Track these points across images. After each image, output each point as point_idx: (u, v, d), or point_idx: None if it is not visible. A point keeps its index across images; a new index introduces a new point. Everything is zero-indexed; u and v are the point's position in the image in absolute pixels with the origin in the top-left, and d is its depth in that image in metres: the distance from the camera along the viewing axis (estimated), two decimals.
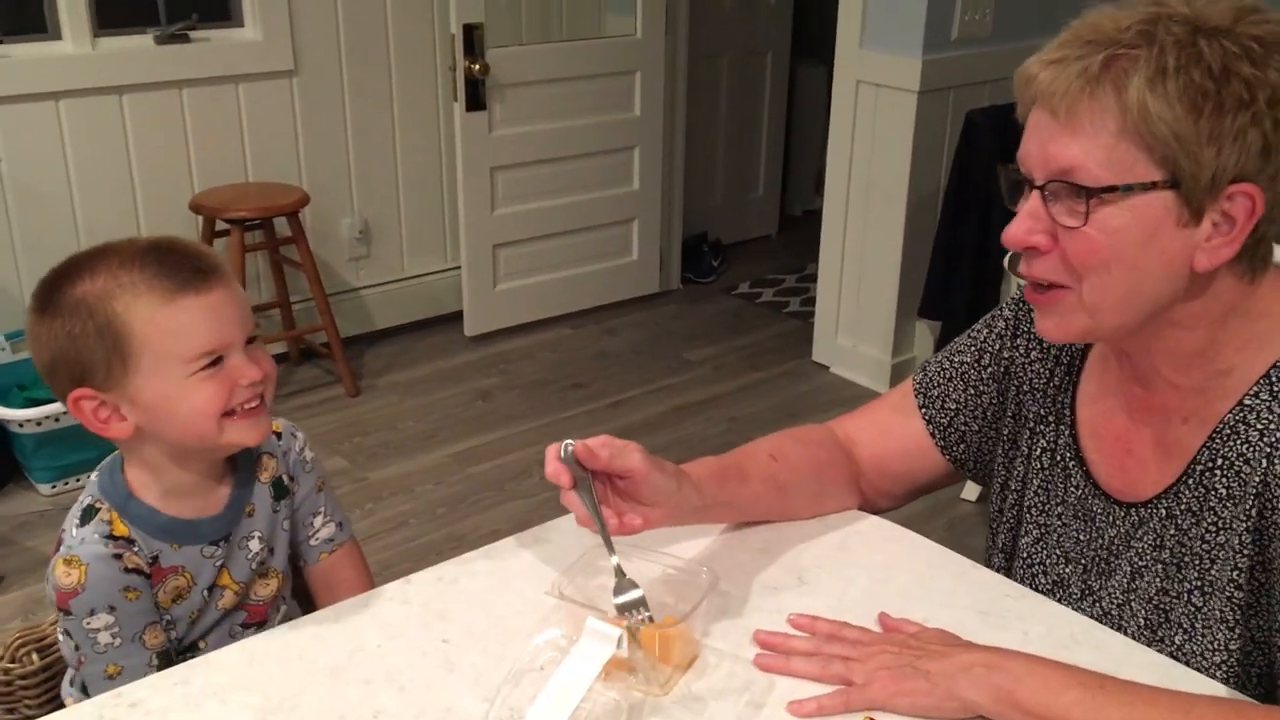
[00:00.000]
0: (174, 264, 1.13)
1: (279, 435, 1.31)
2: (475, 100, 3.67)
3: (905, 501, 1.35)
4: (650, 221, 4.25)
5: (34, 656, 1.25)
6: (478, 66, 3.60)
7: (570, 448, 1.08)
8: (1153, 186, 0.95)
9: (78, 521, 1.19)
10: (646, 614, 1.07)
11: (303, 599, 1.38)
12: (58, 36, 3.14)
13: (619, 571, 1.09)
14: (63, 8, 3.10)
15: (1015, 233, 1.02)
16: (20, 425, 2.82)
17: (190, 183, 3.41)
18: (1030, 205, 1.01)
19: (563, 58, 3.87)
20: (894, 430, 1.31)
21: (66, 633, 1.19)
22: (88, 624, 1.16)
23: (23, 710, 1.25)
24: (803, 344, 3.90)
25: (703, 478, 1.19)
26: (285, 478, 1.31)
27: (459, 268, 3.89)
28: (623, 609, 1.07)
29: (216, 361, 1.15)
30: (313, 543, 1.34)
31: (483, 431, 3.33)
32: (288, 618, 1.31)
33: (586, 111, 3.95)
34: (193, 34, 3.35)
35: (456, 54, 3.58)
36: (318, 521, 1.35)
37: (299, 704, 1.02)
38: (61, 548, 1.18)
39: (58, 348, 1.13)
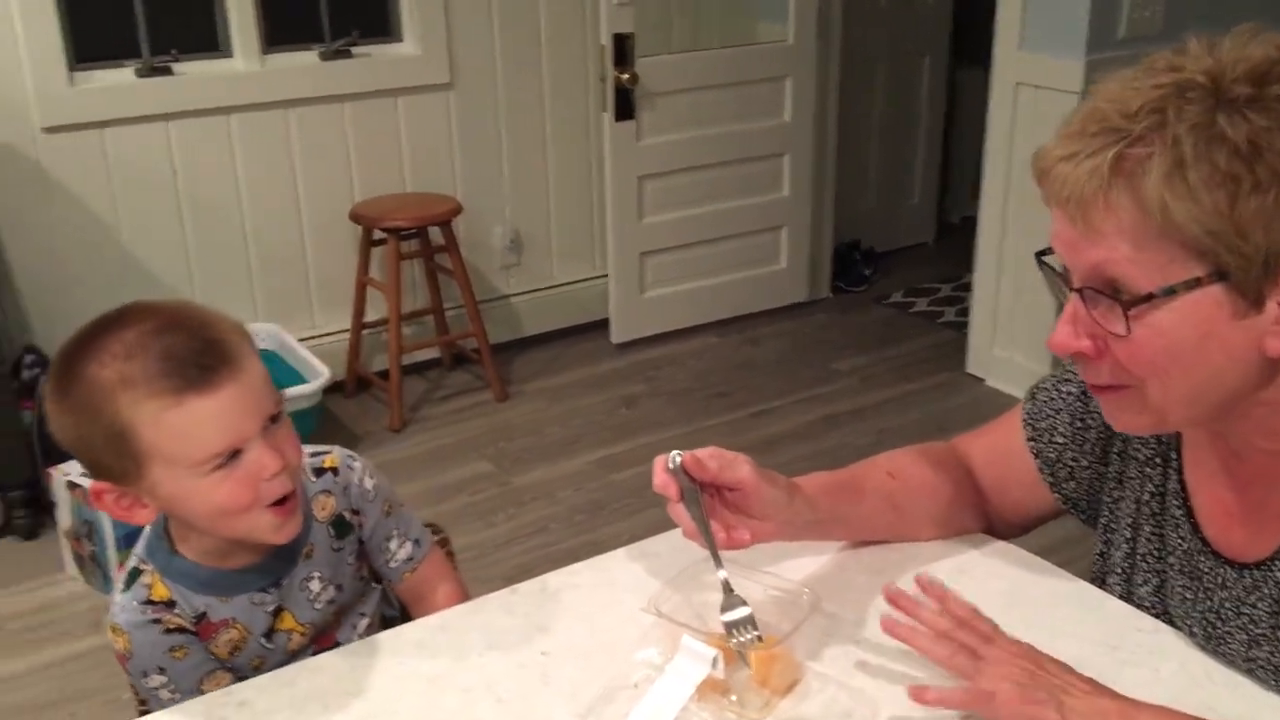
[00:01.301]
0: (180, 358, 1.06)
1: (335, 471, 1.26)
2: (624, 109, 3.68)
3: (1026, 530, 1.27)
4: (799, 229, 4.19)
5: None
6: (627, 76, 3.62)
7: (678, 459, 1.07)
8: (1196, 284, 0.85)
9: (122, 586, 1.19)
10: (755, 633, 1.05)
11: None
12: (229, 54, 3.31)
13: (727, 587, 1.07)
14: (234, 27, 3.26)
15: (1059, 339, 0.93)
16: None
17: (351, 193, 3.53)
18: (1070, 308, 0.92)
19: (712, 65, 3.86)
20: (1008, 455, 1.23)
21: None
22: (145, 684, 1.17)
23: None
24: (957, 355, 3.77)
25: (816, 493, 1.15)
26: (347, 514, 1.27)
27: (607, 275, 3.92)
28: (730, 627, 1.05)
29: (235, 455, 1.08)
30: (393, 565, 1.31)
31: (626, 438, 3.34)
32: (384, 625, 1.31)
33: (735, 118, 3.92)
34: (355, 50, 3.48)
35: (606, 64, 3.61)
36: (393, 545, 1.30)
37: (398, 710, 1.04)
38: (109, 612, 1.19)
39: (72, 440, 1.10)
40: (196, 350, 1.07)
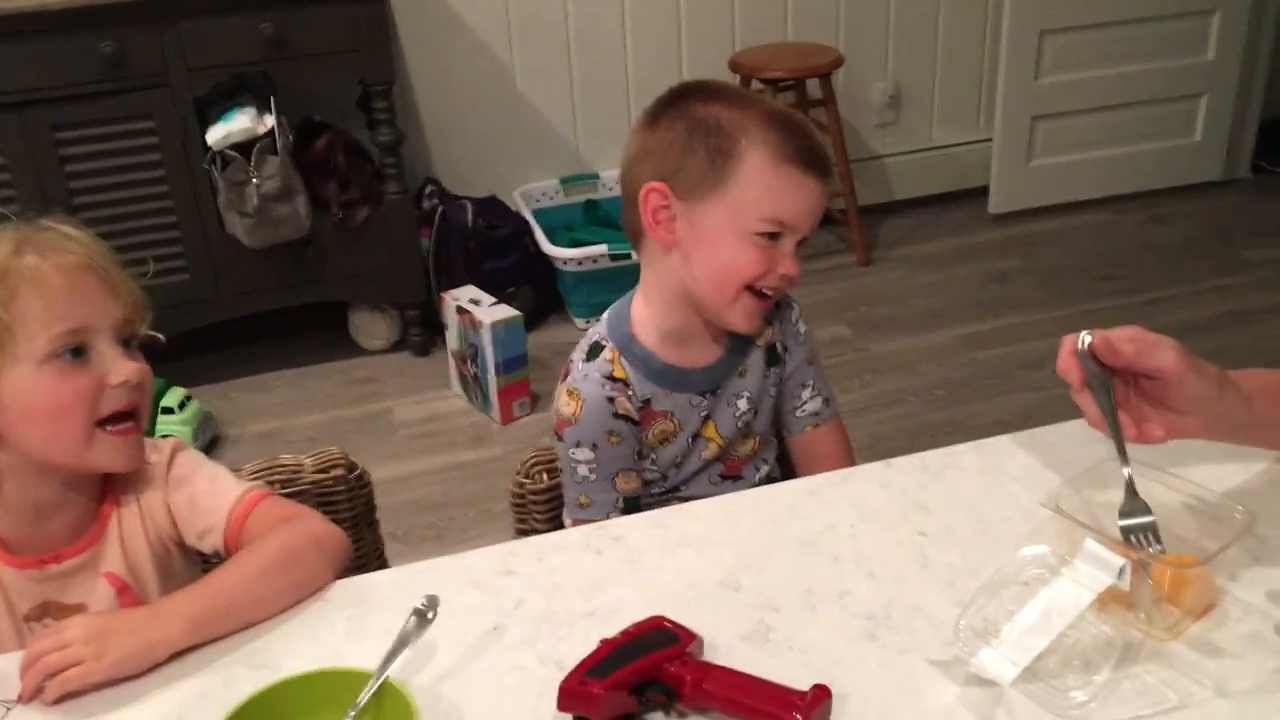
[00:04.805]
0: (799, 139, 1.16)
1: (778, 305, 1.30)
2: None
3: None
4: (1223, 98, 3.70)
5: (544, 476, 1.35)
6: None
7: (1087, 340, 0.96)
8: None
9: (584, 356, 1.26)
10: (1157, 545, 0.94)
11: (785, 467, 1.38)
12: None
13: (1130, 488, 0.96)
14: None
15: None
16: (564, 263, 3.10)
17: (732, 41, 3.47)
18: None
19: None
20: None
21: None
22: (572, 454, 1.24)
23: (531, 523, 1.36)
24: None
25: (1254, 390, 1.00)
26: (779, 346, 1.31)
27: (990, 139, 3.66)
28: (1127, 532, 0.94)
29: (775, 237, 1.16)
30: (798, 414, 1.33)
31: (994, 315, 3.15)
32: (768, 480, 1.31)
33: None
34: None
35: None
36: (805, 394, 1.33)
37: (766, 568, 1.02)
38: (568, 378, 1.25)
39: (668, 142, 1.16)
40: (814, 144, 1.18)
